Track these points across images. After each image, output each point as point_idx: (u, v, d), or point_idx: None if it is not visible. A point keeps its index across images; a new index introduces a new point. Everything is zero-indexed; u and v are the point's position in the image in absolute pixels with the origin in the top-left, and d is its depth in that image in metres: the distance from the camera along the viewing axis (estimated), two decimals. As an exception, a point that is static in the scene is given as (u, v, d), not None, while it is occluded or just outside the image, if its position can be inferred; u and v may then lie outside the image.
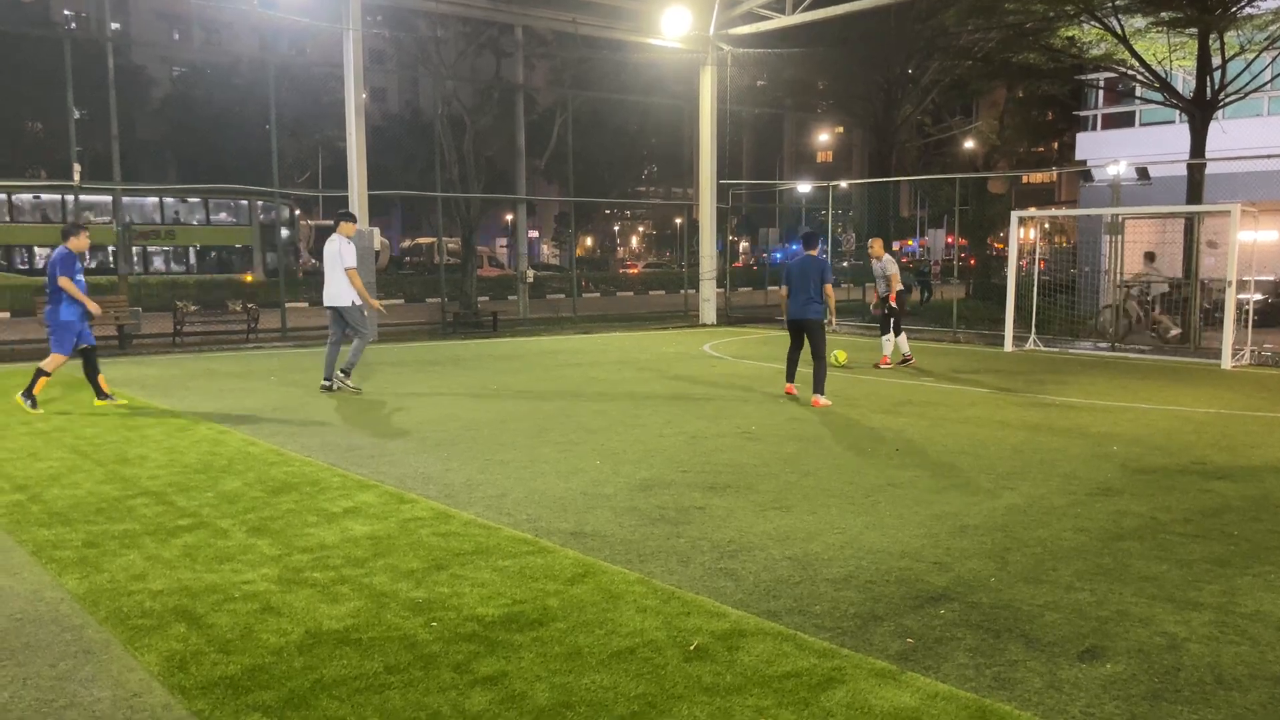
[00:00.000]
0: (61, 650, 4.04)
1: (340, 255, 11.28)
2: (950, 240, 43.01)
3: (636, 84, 33.92)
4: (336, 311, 11.47)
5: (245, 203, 37.96)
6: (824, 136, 68.21)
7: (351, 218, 11.80)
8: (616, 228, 75.82)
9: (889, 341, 14.45)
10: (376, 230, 18.77)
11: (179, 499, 6.43)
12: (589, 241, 68.32)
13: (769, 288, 28.34)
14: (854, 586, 4.81)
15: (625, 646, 4.03)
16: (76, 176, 17.50)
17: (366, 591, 4.70)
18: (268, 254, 38.06)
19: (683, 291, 26.74)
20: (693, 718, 3.42)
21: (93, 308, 10.14)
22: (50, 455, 7.79)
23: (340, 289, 11.33)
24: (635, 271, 53.89)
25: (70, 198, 24.94)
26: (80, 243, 10.16)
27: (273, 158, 20.62)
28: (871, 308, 14.73)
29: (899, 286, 14.32)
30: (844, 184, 36.71)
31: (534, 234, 59.65)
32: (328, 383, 11.58)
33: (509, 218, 50.13)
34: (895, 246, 55.21)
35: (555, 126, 29.16)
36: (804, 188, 30.45)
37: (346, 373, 11.57)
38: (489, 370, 13.99)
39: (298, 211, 44.61)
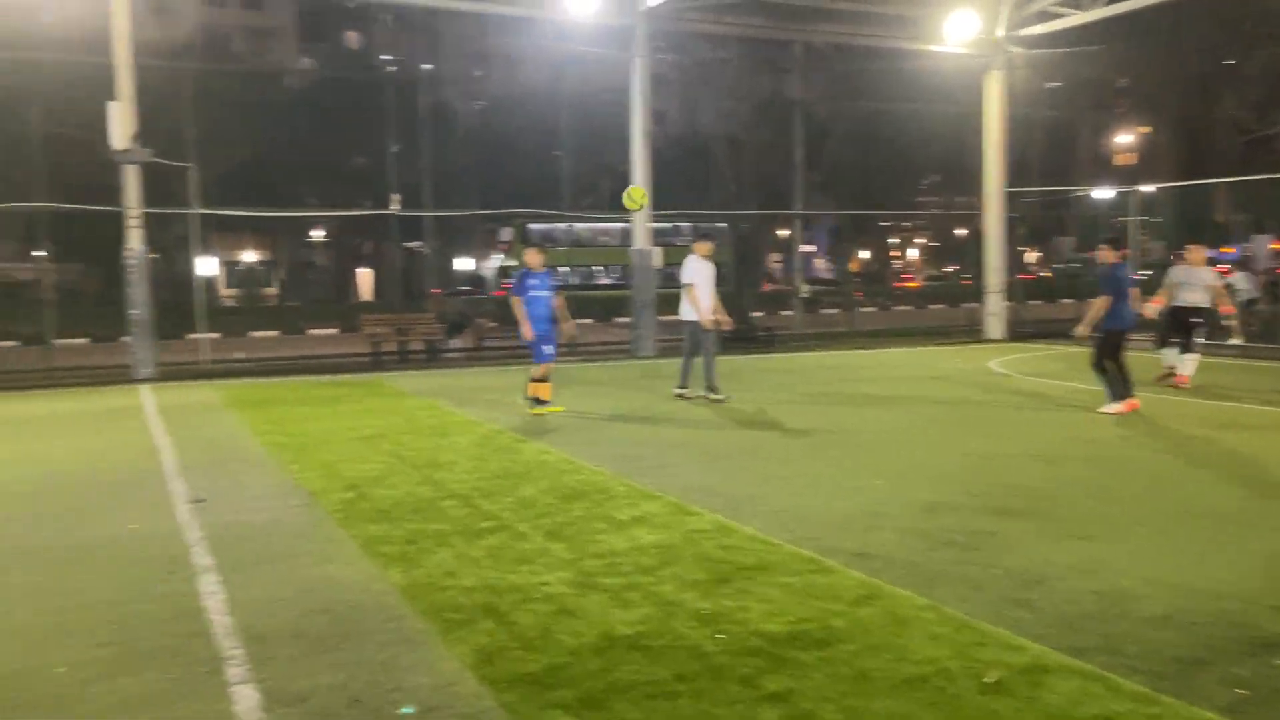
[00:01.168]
0: (387, 637, 4.45)
1: (684, 272, 12.03)
2: (1275, 245, 38.51)
3: (914, 92, 32.96)
4: (686, 325, 12.21)
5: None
6: (1125, 138, 63.17)
7: (707, 237, 12.43)
8: (894, 240, 73.91)
9: (1191, 359, 13.13)
10: (658, 250, 19.35)
11: (483, 503, 6.91)
12: (865, 255, 66.95)
13: (1062, 300, 26.60)
14: (1173, 627, 4.41)
15: (916, 674, 3.91)
16: (395, 205, 19.28)
17: (655, 599, 4.84)
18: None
19: (967, 305, 25.63)
20: (992, 755, 3.26)
21: (526, 331, 11.05)
22: (373, 459, 8.63)
23: (685, 304, 12.06)
24: (914, 285, 52.26)
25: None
26: (532, 259, 11.36)
27: (560, 183, 21.79)
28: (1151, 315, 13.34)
29: (1227, 300, 13.11)
30: (1149, 188, 33.84)
31: (809, 248, 59.27)
32: (681, 390, 12.23)
33: (783, 233, 50.13)
34: (1211, 254, 50.10)
35: (831, 140, 28.93)
36: (1103, 193, 28.35)
37: (712, 389, 11.96)
38: (764, 385, 14.03)
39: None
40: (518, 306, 11.09)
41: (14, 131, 21.65)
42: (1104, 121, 57.10)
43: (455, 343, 20.00)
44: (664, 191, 20.46)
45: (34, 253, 34.84)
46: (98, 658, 4.26)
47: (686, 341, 12.28)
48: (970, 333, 22.96)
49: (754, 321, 25.09)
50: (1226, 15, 21.95)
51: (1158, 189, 26.88)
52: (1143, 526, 6.10)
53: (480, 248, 55.81)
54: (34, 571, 5.59)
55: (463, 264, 52.81)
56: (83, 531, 6.43)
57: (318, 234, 52.60)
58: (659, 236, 19.92)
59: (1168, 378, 13.31)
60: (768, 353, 20.02)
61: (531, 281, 11.11)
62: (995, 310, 22.16)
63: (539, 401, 11.16)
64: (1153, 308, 13.18)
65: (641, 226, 18.83)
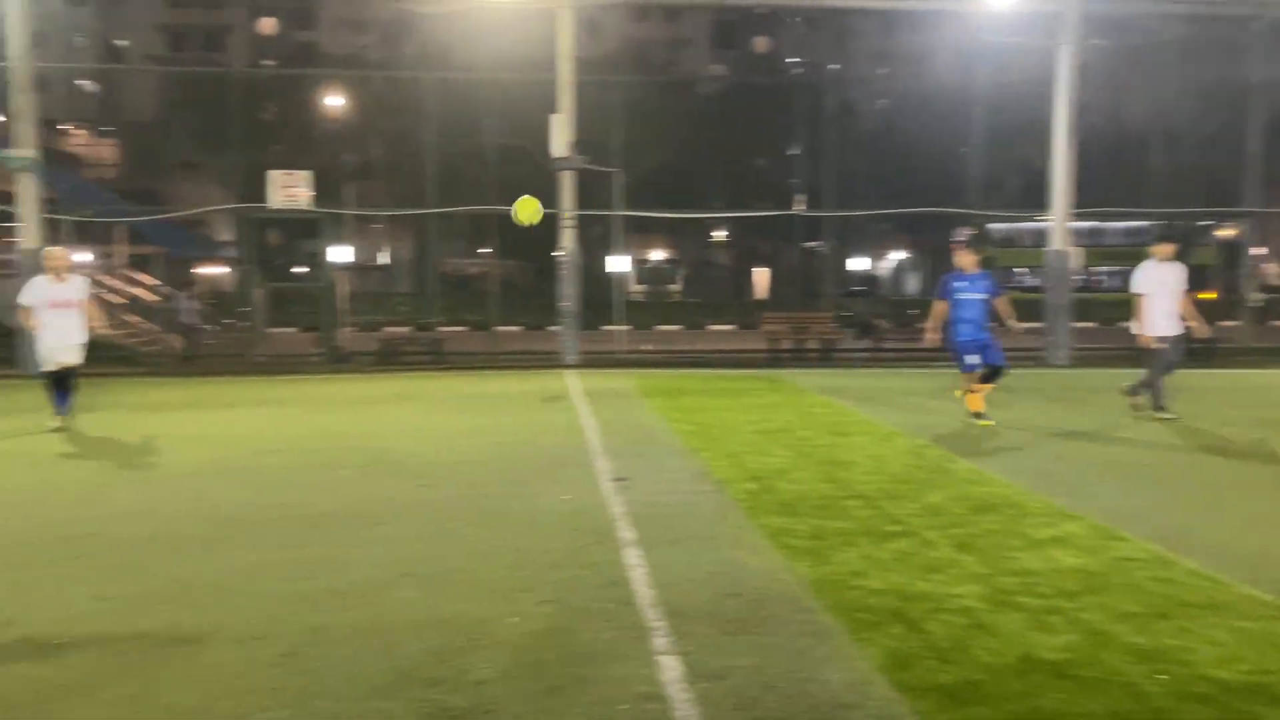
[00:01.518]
0: (797, 629, 4.54)
1: (1134, 279, 10.93)
2: None
3: None
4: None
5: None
6: None
7: (1168, 238, 11.18)
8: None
9: None
10: (1078, 251, 18.00)
11: (887, 505, 6.83)
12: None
13: None
14: None
15: None
16: (798, 206, 19.58)
17: (1080, 627, 4.51)
18: None
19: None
20: None
21: (930, 336, 10.73)
22: (776, 452, 8.83)
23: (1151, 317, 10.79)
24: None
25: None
26: (964, 259, 10.59)
27: (969, 180, 20.90)
28: None
29: None
30: None
31: (1260, 250, 52.00)
32: (1160, 411, 10.84)
33: (1226, 233, 44.35)
34: None
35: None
36: None
37: (1135, 393, 11.14)
38: (1203, 404, 12.51)
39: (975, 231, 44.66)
40: (938, 310, 10.57)
41: (471, 143, 24.71)
42: None
43: (858, 343, 19.94)
44: (1084, 188, 18.93)
45: (480, 250, 39.67)
46: (542, 613, 4.76)
47: (1158, 359, 10.85)
48: None
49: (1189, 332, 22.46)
50: None
51: None
52: None
53: (876, 247, 55.14)
54: (495, 531, 6.35)
55: (858, 264, 52.50)
56: (527, 499, 7.21)
57: (720, 234, 54.75)
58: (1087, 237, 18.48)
59: None
60: (1206, 367, 17.85)
61: (959, 284, 10.39)
62: None
63: (977, 415, 10.42)
64: None
65: (1060, 227, 17.59)
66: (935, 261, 46.31)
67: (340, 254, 22.72)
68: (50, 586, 5.24)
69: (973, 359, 10.37)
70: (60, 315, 10.25)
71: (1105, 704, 3.71)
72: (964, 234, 10.95)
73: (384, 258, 50.37)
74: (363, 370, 17.94)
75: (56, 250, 11.11)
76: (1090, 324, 28.96)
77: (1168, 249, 10.86)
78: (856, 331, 20.01)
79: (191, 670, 4.11)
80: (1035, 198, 18.39)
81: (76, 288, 10.55)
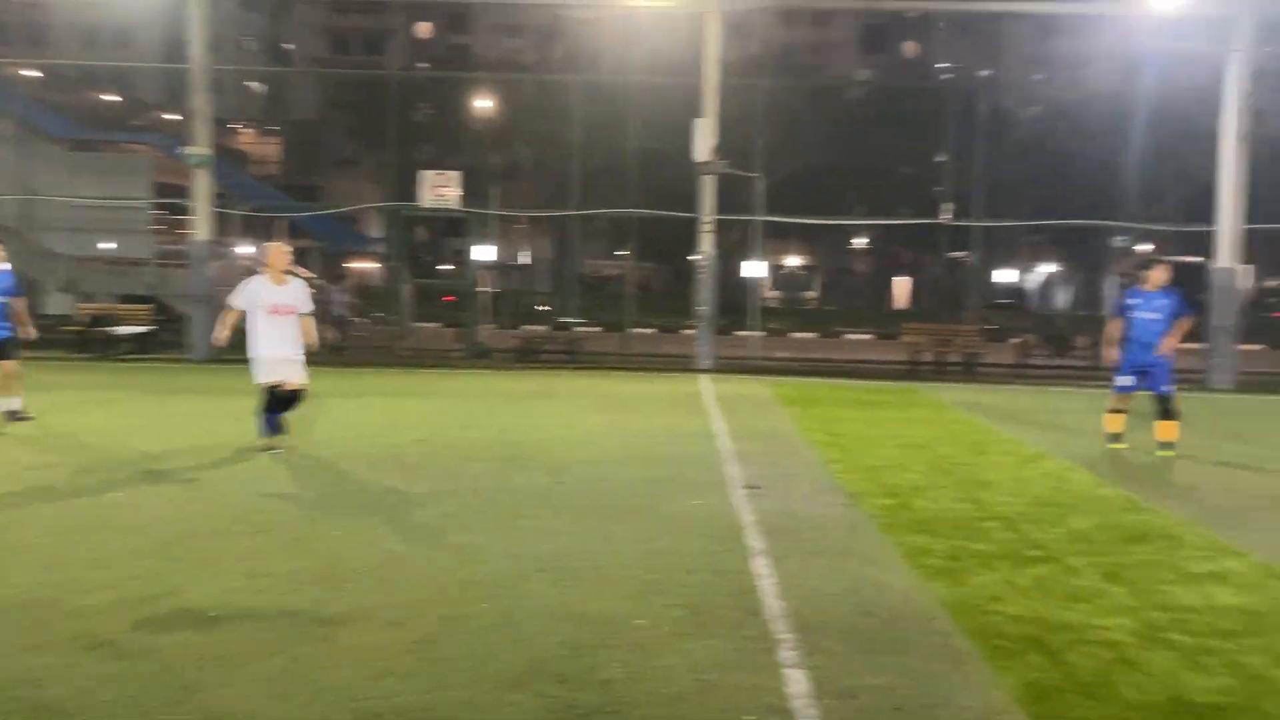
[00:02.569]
0: (932, 651, 4.42)
1: None
2: None
3: None
4: None
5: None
6: None
7: None
8: None
9: None
10: (1248, 268, 16.94)
11: (1030, 529, 6.58)
12: None
13: None
14: None
15: None
16: (945, 214, 19.09)
17: (1239, 670, 4.25)
18: None
19: None
20: None
21: (1107, 354, 10.13)
22: (913, 468, 8.62)
23: None
24: None
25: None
26: (1153, 276, 9.77)
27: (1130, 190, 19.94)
28: None
29: None
30: None
31: None
32: None
33: None
34: None
35: None
36: None
37: None
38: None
39: (1151, 245, 42.73)
40: (1113, 328, 9.99)
41: (615, 146, 25.01)
42: None
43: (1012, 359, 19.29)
44: (1254, 202, 17.79)
45: (617, 252, 40.12)
46: (671, 617, 4.77)
47: None
48: None
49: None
50: None
51: None
52: None
53: (1025, 259, 53.16)
54: (626, 531, 6.41)
55: (1006, 276, 50.76)
56: (660, 501, 7.24)
57: (859, 241, 53.84)
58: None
59: None
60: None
61: (1133, 301, 9.78)
62: None
63: (1114, 437, 9.96)
64: None
65: (1227, 241, 16.59)
66: (1087, 275, 44.39)
67: (484, 253, 23.35)
68: (211, 562, 5.56)
69: (1125, 380, 9.85)
70: (278, 323, 8.61)
71: (1265, 755, 3.49)
72: (1145, 251, 10.30)
73: (525, 258, 51.51)
74: (502, 366, 18.39)
75: (277, 246, 9.38)
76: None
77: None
78: (1054, 345, 19.47)
79: (332, 650, 4.29)
80: (1200, 211, 17.41)
81: (297, 294, 8.82)
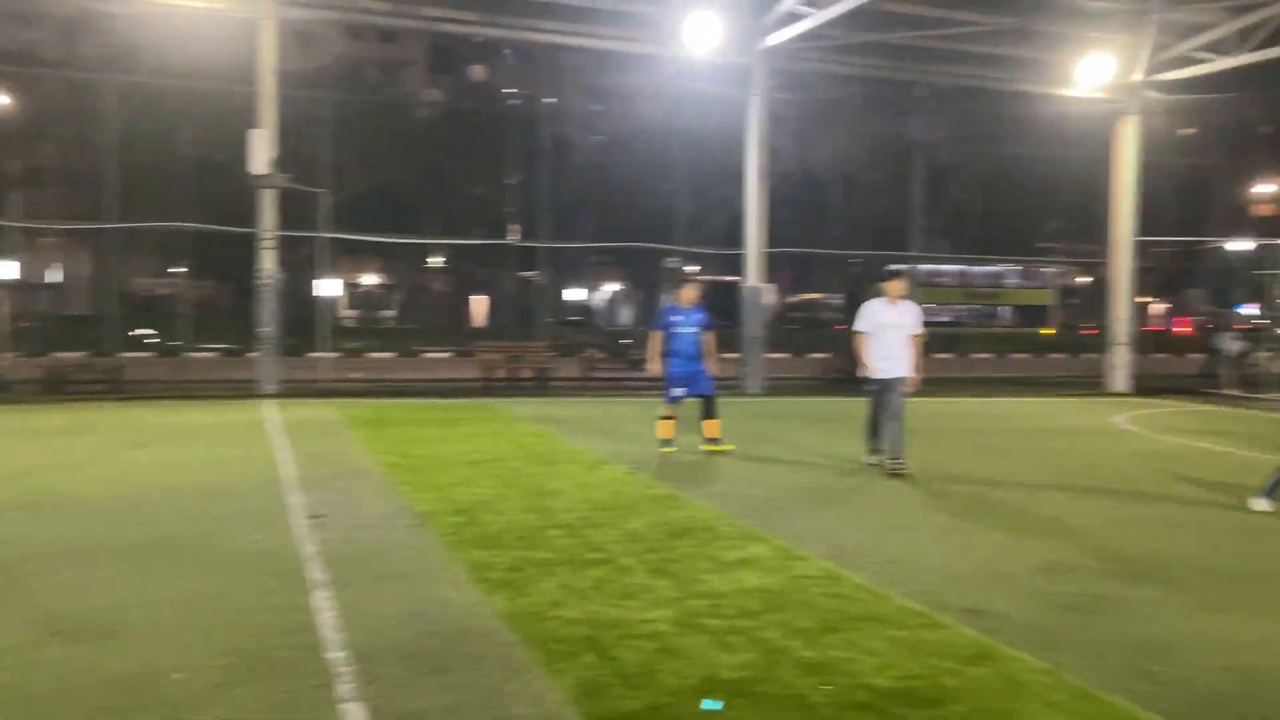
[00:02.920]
0: (494, 664, 4.49)
1: (858, 317, 10.15)
2: None
3: (1040, 136, 32.13)
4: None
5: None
6: (1267, 188, 60.32)
7: (897, 275, 10.28)
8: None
9: None
10: (771, 286, 19.31)
11: (590, 533, 6.94)
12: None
13: (1191, 354, 25.42)
14: (1314, 714, 4.12)
15: (1033, 743, 3.74)
16: (513, 235, 19.67)
17: (759, 645, 4.77)
18: None
19: (1088, 356, 24.74)
20: (1115, 836, 3.09)
21: (650, 367, 11.08)
22: (483, 483, 8.75)
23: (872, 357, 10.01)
24: (1050, 332, 50.79)
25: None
26: (685, 294, 10.88)
27: (675, 216, 21.92)
28: None
29: None
30: (1290, 241, 32.17)
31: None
32: (882, 459, 9.98)
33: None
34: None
35: (952, 182, 28.38)
36: (1242, 245, 27.10)
37: (887, 453, 9.90)
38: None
39: (697, 267, 47.39)
40: (654, 341, 10.93)
41: (162, 154, 22.93)
42: (1242, 170, 54.69)
43: (576, 372, 20.22)
44: (775, 228, 20.37)
45: (171, 269, 36.76)
46: (217, 666, 4.40)
47: (870, 401, 10.15)
48: (1092, 385, 22.14)
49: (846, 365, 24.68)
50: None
51: (1301, 242, 25.56)
52: (1282, 601, 5.74)
53: (591, 279, 56.49)
54: (169, 577, 5.82)
55: (574, 294, 53.61)
56: (210, 540, 6.68)
57: (436, 260, 54.04)
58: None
59: None
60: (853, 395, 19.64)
61: (675, 317, 10.76)
62: (1120, 363, 21.33)
63: (665, 442, 10.85)
64: None
65: (753, 263, 18.78)
66: (647, 293, 48.16)
67: (2, 270, 20.28)
68: None
69: (677, 391, 10.83)
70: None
71: (776, 717, 3.93)
72: (682, 267, 11.39)
73: (56, 275, 45.49)
74: (26, 400, 16.06)
75: None
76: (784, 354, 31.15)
77: (898, 286, 9.99)
78: (617, 363, 20.56)
79: None
80: (737, 236, 19.56)
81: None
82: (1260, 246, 25.70)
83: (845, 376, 22.01)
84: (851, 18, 16.53)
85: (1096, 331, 25.86)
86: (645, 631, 4.92)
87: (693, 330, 10.78)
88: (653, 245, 30.16)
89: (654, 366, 10.99)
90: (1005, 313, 52.96)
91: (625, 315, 52.41)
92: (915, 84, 24.46)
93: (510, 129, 25.37)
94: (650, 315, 46.62)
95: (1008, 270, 51.71)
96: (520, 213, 24.12)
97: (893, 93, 26.85)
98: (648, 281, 47.09)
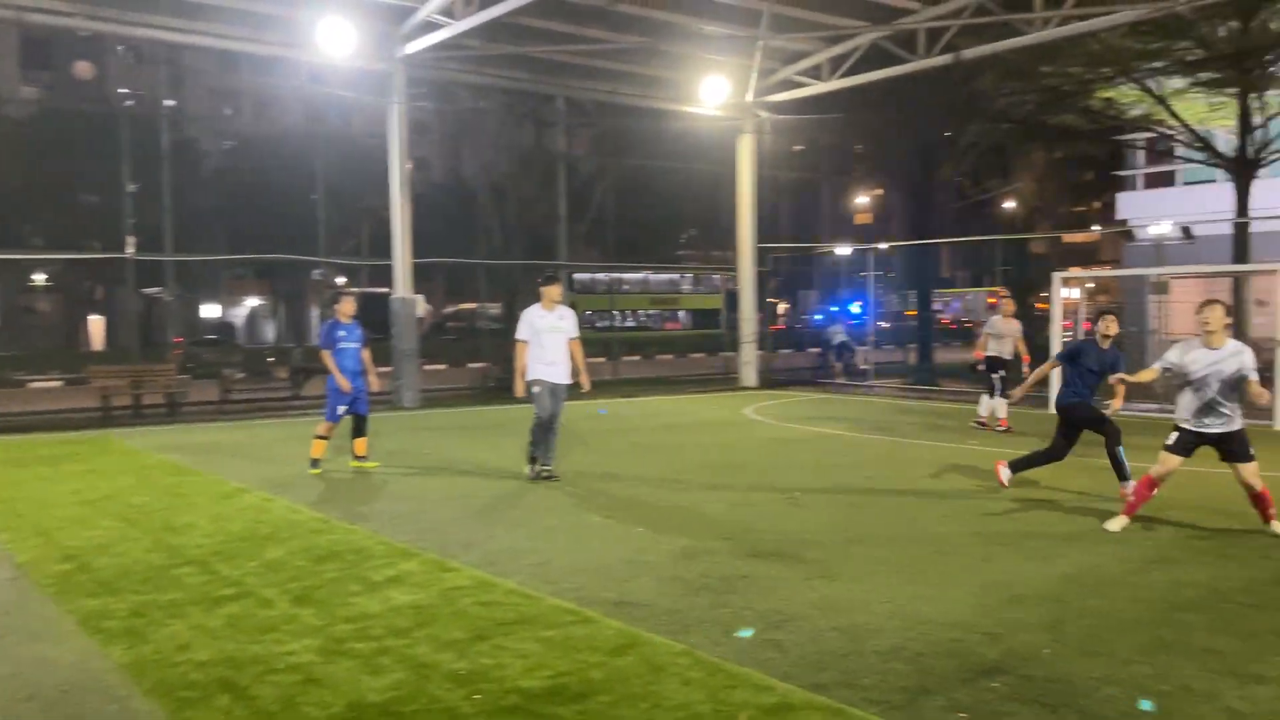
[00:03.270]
0: (107, 722, 4.04)
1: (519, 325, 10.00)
2: (991, 301, 42.71)
3: (676, 150, 34.33)
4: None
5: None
6: (863, 199, 68.46)
7: (553, 279, 9.99)
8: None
9: (1001, 404, 14.04)
10: (421, 297, 18.99)
11: (224, 568, 6.46)
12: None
13: (809, 350, 28.30)
14: (903, 658, 4.70)
15: (670, 721, 3.96)
16: (130, 248, 17.97)
17: (409, 662, 4.67)
18: None
19: (723, 354, 26.73)
20: (741, 797, 3.33)
21: (342, 383, 10.32)
22: (99, 524, 7.88)
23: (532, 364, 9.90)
24: (676, 328, 54.37)
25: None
26: (345, 308, 10.51)
27: (320, 226, 21.05)
28: (976, 368, 14.47)
29: (1025, 350, 14.02)
30: (884, 246, 36.67)
31: (576, 298, 60.34)
32: (543, 471, 9.98)
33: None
34: (937, 307, 54.98)
35: (596, 193, 29.55)
36: (844, 250, 30.50)
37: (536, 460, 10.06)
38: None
39: (343, 279, 45.86)
40: (327, 359, 10.37)
41: None
42: (845, 184, 61.67)
43: (209, 396, 18.73)
44: (428, 238, 20.16)
45: None
46: None
47: (536, 411, 9.94)
48: (727, 381, 23.94)
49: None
50: (943, 93, 24.27)
51: (890, 246, 29.25)
52: (881, 565, 6.50)
53: (229, 294, 52.85)
54: None
55: (210, 310, 49.88)
56: None
57: (40, 277, 48.11)
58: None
59: (992, 425, 14.03)
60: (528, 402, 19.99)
61: (340, 333, 10.36)
62: (749, 359, 23.22)
63: (316, 462, 10.44)
64: (977, 358, 14.10)
65: (402, 274, 18.44)
66: (293, 308, 45.82)
67: None
68: None
69: (343, 409, 10.43)
70: None
71: (425, 735, 3.87)
72: (332, 280, 10.89)
73: None
74: None
75: None
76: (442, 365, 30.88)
77: (557, 291, 9.84)
78: (248, 376, 19.15)
79: None
80: (386, 246, 19.09)
81: None
82: (857, 250, 29.05)
83: (506, 384, 22.29)
84: (488, 29, 16.70)
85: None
86: (287, 664, 4.66)
87: (356, 345, 10.50)
88: (295, 257, 28.75)
89: (346, 383, 10.42)
90: (684, 316, 56.39)
91: (268, 331, 49.53)
92: (555, 97, 25.18)
93: (126, 132, 23.05)
94: (299, 330, 44.19)
95: (684, 278, 55.19)
96: (142, 223, 21.99)
97: (536, 105, 27.48)
98: (292, 295, 44.83)
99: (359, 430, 10.71)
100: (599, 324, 52.88)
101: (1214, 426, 7.26)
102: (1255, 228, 19.07)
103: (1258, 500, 7.36)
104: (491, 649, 4.84)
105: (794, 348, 37.60)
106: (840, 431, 14.27)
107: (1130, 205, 28.78)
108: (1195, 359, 7.28)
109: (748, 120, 22.50)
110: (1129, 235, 28.70)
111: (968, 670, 4.54)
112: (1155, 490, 7.48)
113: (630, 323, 53.56)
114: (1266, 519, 7.34)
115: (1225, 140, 20.39)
